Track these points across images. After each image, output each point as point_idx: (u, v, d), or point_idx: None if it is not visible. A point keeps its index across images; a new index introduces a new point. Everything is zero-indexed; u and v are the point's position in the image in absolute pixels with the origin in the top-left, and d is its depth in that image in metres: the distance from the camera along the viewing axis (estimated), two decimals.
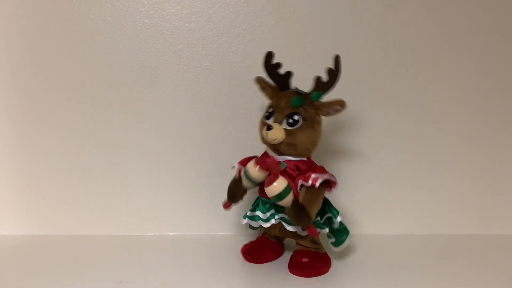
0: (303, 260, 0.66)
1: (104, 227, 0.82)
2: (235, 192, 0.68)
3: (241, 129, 0.81)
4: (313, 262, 0.66)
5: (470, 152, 0.83)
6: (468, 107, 0.81)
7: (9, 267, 0.70)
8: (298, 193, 0.62)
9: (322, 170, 0.62)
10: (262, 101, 0.80)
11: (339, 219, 0.66)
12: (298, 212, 0.60)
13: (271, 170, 0.62)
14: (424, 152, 0.82)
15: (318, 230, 0.64)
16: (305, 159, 0.65)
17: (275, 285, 0.64)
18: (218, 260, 0.72)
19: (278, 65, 0.65)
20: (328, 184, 0.63)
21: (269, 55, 0.65)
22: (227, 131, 0.81)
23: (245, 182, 0.65)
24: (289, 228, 0.64)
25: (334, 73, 0.62)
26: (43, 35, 0.77)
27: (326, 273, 0.67)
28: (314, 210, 0.61)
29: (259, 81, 0.68)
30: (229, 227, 0.83)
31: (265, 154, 0.68)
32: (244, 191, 0.68)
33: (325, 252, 0.69)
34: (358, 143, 0.82)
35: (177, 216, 0.83)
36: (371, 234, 0.82)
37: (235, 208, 0.82)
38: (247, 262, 0.71)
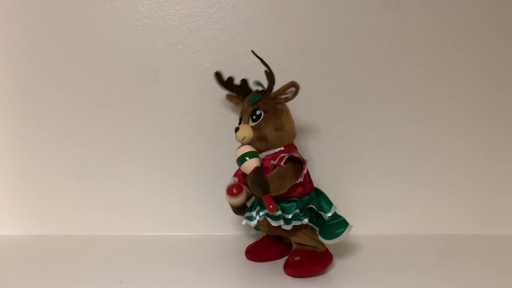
0: (295, 258, 0.66)
1: (104, 227, 0.82)
2: (237, 209, 0.71)
3: None
4: (304, 261, 0.65)
5: (470, 153, 0.82)
6: (469, 107, 0.81)
7: (9, 267, 0.70)
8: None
9: (293, 151, 0.65)
10: None
11: (329, 214, 0.66)
12: (254, 174, 0.61)
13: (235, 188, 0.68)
14: (424, 152, 0.82)
15: (277, 207, 0.63)
16: (282, 148, 0.66)
17: (274, 285, 0.64)
18: (218, 260, 0.72)
19: (231, 79, 0.70)
20: (299, 167, 0.64)
21: (218, 75, 0.69)
22: (227, 131, 0.81)
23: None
24: (272, 223, 0.64)
25: (265, 64, 0.66)
26: (43, 35, 0.77)
27: (324, 273, 0.66)
28: (275, 182, 0.61)
29: (230, 98, 0.73)
30: (229, 227, 0.83)
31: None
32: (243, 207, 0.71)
33: (325, 250, 0.67)
34: (358, 143, 0.82)
35: (177, 216, 0.83)
36: (371, 234, 0.82)
37: None
38: (247, 262, 0.71)
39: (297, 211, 0.64)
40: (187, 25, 0.78)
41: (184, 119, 0.80)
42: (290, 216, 0.64)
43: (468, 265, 0.71)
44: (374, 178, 0.83)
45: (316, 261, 0.66)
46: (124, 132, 0.80)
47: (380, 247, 0.77)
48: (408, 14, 0.78)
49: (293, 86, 0.64)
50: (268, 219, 0.64)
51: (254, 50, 0.67)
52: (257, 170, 0.62)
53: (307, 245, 0.66)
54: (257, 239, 0.74)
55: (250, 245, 0.73)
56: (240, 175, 0.70)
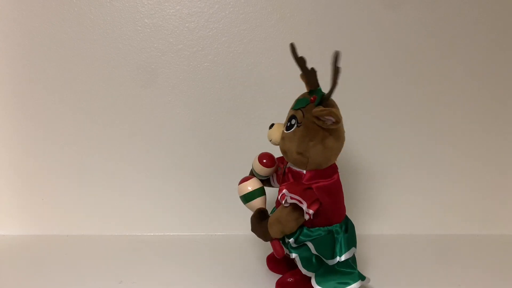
0: (288, 280, 0.62)
1: (104, 227, 0.82)
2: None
3: (241, 129, 0.81)
4: (298, 284, 0.61)
5: (470, 153, 0.83)
6: (469, 107, 0.81)
7: (9, 267, 0.70)
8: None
9: (298, 190, 0.55)
10: (262, 101, 0.80)
11: (336, 259, 0.57)
12: (256, 220, 0.58)
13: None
14: (424, 152, 0.82)
15: (286, 251, 0.59)
16: (303, 171, 0.57)
17: (272, 283, 0.64)
18: (218, 260, 0.72)
19: (303, 59, 0.57)
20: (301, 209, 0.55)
21: (292, 48, 0.57)
22: (227, 131, 0.81)
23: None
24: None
25: (332, 71, 0.54)
26: (43, 35, 0.77)
27: None
28: (274, 227, 0.56)
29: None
30: (229, 227, 0.83)
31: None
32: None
33: None
34: (357, 143, 0.82)
35: (177, 216, 0.83)
36: (371, 234, 0.82)
37: (233, 208, 0.82)
38: (247, 262, 0.71)
39: (291, 240, 0.57)
40: (187, 25, 0.78)
41: (184, 119, 0.80)
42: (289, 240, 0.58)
43: (468, 265, 0.71)
44: (374, 178, 0.83)
45: (306, 284, 0.59)
46: (124, 132, 0.80)
47: (380, 247, 0.77)
48: (408, 14, 0.78)
49: (331, 116, 0.53)
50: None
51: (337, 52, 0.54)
52: (258, 216, 0.58)
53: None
54: (249, 239, 0.74)
55: (272, 253, 0.68)
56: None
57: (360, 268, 0.69)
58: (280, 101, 0.79)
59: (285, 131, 0.57)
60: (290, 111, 0.58)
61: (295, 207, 0.55)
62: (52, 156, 0.81)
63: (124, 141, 0.81)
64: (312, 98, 0.55)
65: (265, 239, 0.58)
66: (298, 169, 0.58)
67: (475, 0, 0.78)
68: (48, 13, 0.76)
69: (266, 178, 0.64)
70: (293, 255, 0.58)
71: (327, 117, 0.53)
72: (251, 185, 0.60)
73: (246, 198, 0.61)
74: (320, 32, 0.78)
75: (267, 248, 0.74)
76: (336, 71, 0.53)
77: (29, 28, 0.76)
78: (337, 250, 0.57)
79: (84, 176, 0.81)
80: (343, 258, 0.57)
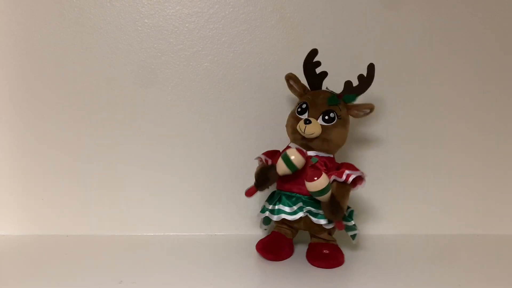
0: (324, 251, 0.69)
1: (104, 227, 0.82)
2: (268, 177, 0.68)
3: (241, 129, 0.81)
4: (334, 253, 0.69)
5: (470, 152, 0.83)
6: (469, 107, 0.81)
7: (9, 267, 0.70)
8: None
9: (353, 167, 0.67)
10: (262, 101, 0.80)
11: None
12: (335, 207, 0.64)
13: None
14: (424, 152, 0.82)
15: (344, 223, 0.67)
16: (331, 156, 0.69)
17: (274, 284, 0.64)
18: (218, 260, 0.72)
19: (318, 63, 0.68)
20: (354, 180, 0.66)
21: (314, 53, 0.68)
22: (227, 131, 0.81)
23: (282, 168, 0.65)
24: (316, 220, 0.66)
25: (365, 79, 0.66)
26: (43, 35, 0.77)
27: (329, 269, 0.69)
28: (345, 205, 0.65)
29: (291, 77, 0.70)
30: (229, 227, 0.83)
31: (276, 151, 0.71)
32: (276, 177, 0.68)
33: (337, 244, 0.71)
34: (357, 143, 0.82)
35: (177, 216, 0.83)
36: (371, 234, 0.82)
37: (234, 209, 0.82)
38: (247, 262, 0.71)
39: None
40: (187, 25, 0.78)
41: (184, 119, 0.80)
42: None
43: (468, 265, 0.71)
44: (374, 178, 0.82)
45: (339, 253, 0.70)
46: (124, 132, 0.80)
47: (380, 247, 0.77)
48: (409, 14, 0.78)
49: (370, 109, 0.66)
50: (310, 216, 0.66)
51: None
52: (337, 204, 0.64)
53: (329, 240, 0.70)
54: (249, 239, 0.75)
55: (262, 242, 0.72)
56: (269, 153, 0.71)
57: (360, 268, 0.69)
58: (280, 101, 0.79)
59: (325, 124, 0.65)
60: (320, 105, 0.66)
61: (353, 184, 0.66)
62: (52, 156, 0.81)
63: (124, 141, 0.81)
64: (339, 95, 0.67)
65: (340, 218, 0.65)
66: (327, 155, 0.68)
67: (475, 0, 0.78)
68: (48, 13, 0.76)
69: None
70: (352, 222, 0.70)
71: (365, 110, 0.67)
72: (326, 180, 0.63)
73: (327, 188, 0.62)
74: (320, 32, 0.78)
75: None
76: (368, 80, 0.66)
77: (29, 28, 0.76)
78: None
79: (84, 176, 0.81)
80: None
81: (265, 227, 0.75)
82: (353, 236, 0.71)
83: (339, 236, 0.72)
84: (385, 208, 0.84)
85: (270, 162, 0.69)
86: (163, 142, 0.81)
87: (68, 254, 0.74)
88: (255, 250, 0.72)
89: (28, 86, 0.79)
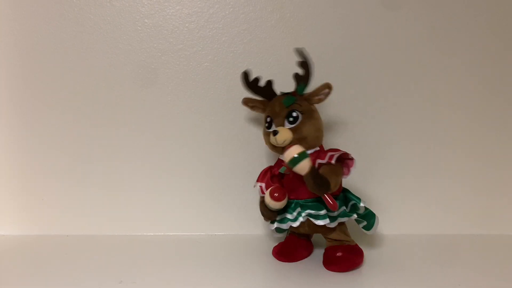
0: (337, 254, 0.67)
1: (104, 227, 0.82)
2: (272, 209, 0.67)
3: (241, 129, 0.81)
4: (347, 255, 0.67)
5: (470, 152, 0.82)
6: (469, 107, 0.81)
7: (9, 267, 0.70)
8: None
9: (337, 150, 0.66)
10: None
11: (362, 204, 0.68)
12: (315, 176, 0.62)
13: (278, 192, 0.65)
14: (424, 152, 0.82)
15: (338, 203, 0.64)
16: (318, 148, 0.68)
17: (274, 284, 0.64)
18: (218, 260, 0.72)
19: (257, 79, 0.68)
20: (346, 164, 0.65)
21: (246, 75, 0.68)
22: (227, 131, 0.81)
23: (272, 204, 0.66)
24: (317, 222, 0.65)
25: (306, 64, 0.66)
26: (43, 35, 0.77)
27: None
28: (332, 179, 0.63)
29: (247, 101, 0.71)
30: (229, 227, 0.83)
31: (267, 170, 0.70)
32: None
33: (356, 244, 0.69)
34: (358, 144, 0.82)
35: (177, 216, 0.83)
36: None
37: (233, 208, 0.82)
38: (247, 262, 0.71)
39: (344, 208, 0.67)
40: (187, 25, 0.78)
41: (184, 119, 0.80)
42: (336, 214, 0.65)
43: (468, 265, 0.70)
44: (374, 178, 0.83)
45: (354, 254, 0.68)
46: (124, 132, 0.80)
47: (380, 247, 0.77)
48: (409, 14, 0.78)
49: (327, 88, 0.66)
50: (311, 219, 0.65)
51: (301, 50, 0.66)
52: (315, 170, 0.62)
53: (343, 241, 0.68)
54: (249, 239, 0.75)
55: (277, 246, 0.73)
56: (268, 178, 0.69)
57: (360, 268, 0.69)
58: None
59: (292, 125, 0.65)
60: (279, 112, 0.66)
61: (341, 165, 0.65)
62: (52, 156, 0.81)
63: (124, 141, 0.81)
64: (293, 92, 0.67)
65: (326, 190, 0.63)
66: (313, 150, 0.67)
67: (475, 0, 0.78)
68: (48, 13, 0.76)
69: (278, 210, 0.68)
70: (355, 215, 0.68)
71: (323, 91, 0.66)
72: (299, 148, 0.62)
73: (300, 157, 0.62)
74: (320, 32, 0.78)
75: (267, 248, 0.75)
76: (307, 65, 0.66)
77: (29, 28, 0.77)
78: (357, 199, 0.69)
79: (84, 176, 0.81)
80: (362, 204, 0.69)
81: (280, 235, 0.74)
82: (366, 227, 0.69)
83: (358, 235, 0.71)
84: (385, 208, 0.83)
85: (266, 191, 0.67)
86: (163, 142, 0.81)
87: (68, 254, 0.74)
88: (255, 250, 0.73)
89: (28, 86, 0.79)
